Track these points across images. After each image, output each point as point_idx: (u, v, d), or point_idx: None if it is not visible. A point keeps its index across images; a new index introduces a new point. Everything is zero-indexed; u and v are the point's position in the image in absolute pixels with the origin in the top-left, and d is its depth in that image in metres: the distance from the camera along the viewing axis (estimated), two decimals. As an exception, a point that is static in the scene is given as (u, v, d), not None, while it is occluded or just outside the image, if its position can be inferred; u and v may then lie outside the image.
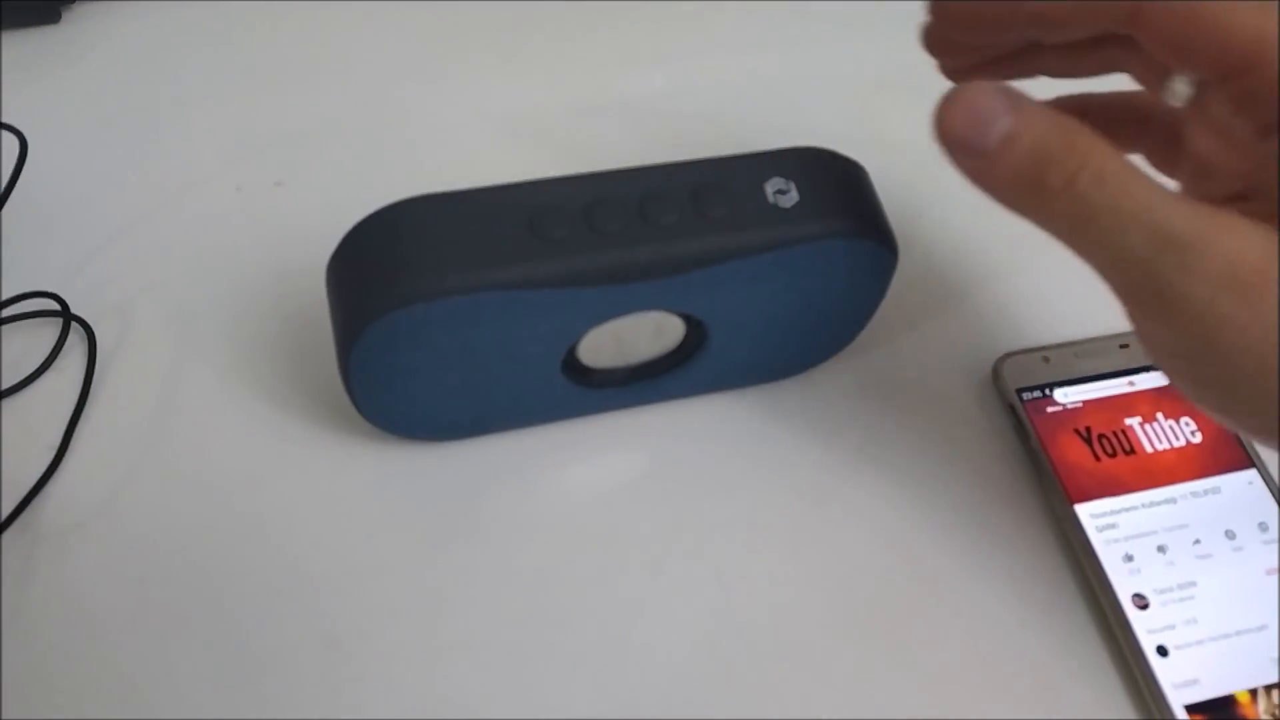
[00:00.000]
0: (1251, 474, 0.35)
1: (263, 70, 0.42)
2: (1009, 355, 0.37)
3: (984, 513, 0.34)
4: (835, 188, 0.29)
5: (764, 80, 0.44)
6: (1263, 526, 0.34)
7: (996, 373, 0.36)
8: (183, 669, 0.29)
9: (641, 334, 0.31)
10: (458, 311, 0.27)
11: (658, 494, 0.33)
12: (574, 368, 0.31)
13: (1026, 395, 0.36)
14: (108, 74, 0.41)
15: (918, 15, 0.29)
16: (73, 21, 0.42)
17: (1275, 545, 0.33)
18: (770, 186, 0.29)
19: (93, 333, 0.33)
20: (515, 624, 0.30)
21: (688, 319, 0.31)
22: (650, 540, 0.32)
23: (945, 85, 0.25)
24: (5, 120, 0.35)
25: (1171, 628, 0.32)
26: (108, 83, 0.41)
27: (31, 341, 0.33)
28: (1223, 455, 0.35)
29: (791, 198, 0.29)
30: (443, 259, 0.26)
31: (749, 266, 0.29)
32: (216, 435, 0.33)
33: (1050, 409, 0.36)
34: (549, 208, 0.27)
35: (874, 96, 0.44)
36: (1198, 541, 0.33)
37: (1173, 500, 0.34)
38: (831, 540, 0.33)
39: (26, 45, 0.41)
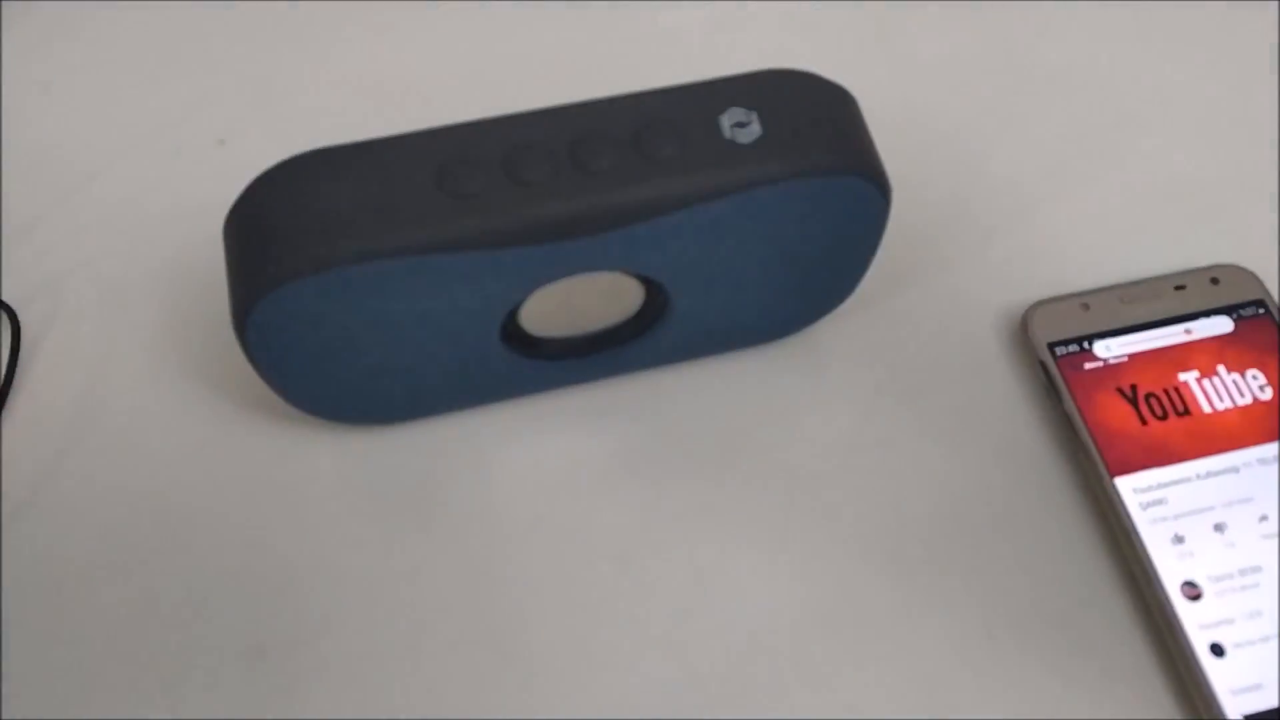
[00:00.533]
0: (1334, 435, 0.30)
1: (202, 25, 0.38)
2: (1041, 303, 0.32)
3: (1009, 491, 0.29)
4: (808, 117, 0.25)
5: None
6: (1346, 498, 0.29)
7: (1025, 324, 0.31)
8: (108, 671, 0.26)
9: (593, 298, 0.27)
10: (355, 282, 0.23)
11: (626, 477, 0.29)
12: (520, 339, 0.28)
13: (1060, 350, 0.31)
14: (56, 41, 0.38)
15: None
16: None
17: (1362, 520, 0.28)
18: (727, 119, 0.24)
19: (16, 319, 0.31)
20: (468, 625, 0.27)
21: (645, 280, 0.27)
22: (618, 531, 0.29)
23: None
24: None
25: (1229, 622, 0.27)
26: (54, 51, 0.38)
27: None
28: (1299, 414, 0.30)
29: (753, 131, 0.24)
30: (335, 223, 0.23)
31: (705, 216, 0.24)
32: (148, 421, 0.30)
33: (1089, 365, 0.31)
34: (462, 157, 0.23)
35: (890, 14, 0.38)
36: (1265, 518, 0.28)
37: (1235, 469, 0.29)
38: (829, 529, 0.29)
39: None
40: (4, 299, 0.31)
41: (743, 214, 0.25)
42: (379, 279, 0.23)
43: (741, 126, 0.24)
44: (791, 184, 0.24)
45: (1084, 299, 0.32)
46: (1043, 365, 0.31)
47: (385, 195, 0.23)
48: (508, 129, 0.24)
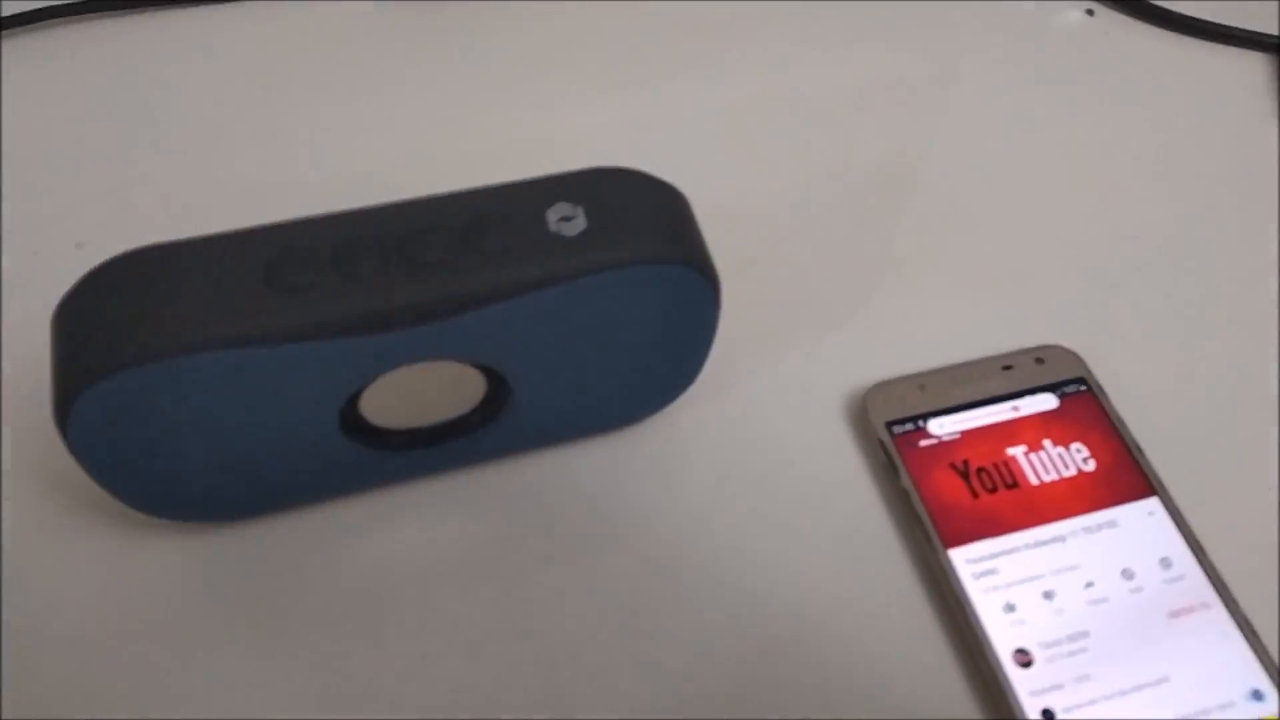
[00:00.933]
0: (1152, 503, 0.31)
1: (63, 132, 0.39)
2: (880, 385, 0.33)
3: (848, 564, 0.30)
4: (633, 212, 0.26)
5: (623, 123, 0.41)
6: (1165, 563, 0.30)
7: (865, 404, 0.33)
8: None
9: (434, 388, 0.28)
10: (182, 375, 0.23)
11: (478, 566, 0.30)
12: (363, 430, 0.28)
13: (898, 428, 0.32)
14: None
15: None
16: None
17: (1180, 583, 0.30)
18: (554, 214, 0.25)
19: None
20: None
21: (485, 369, 0.28)
22: (468, 623, 0.29)
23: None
24: None
25: (1059, 687, 0.28)
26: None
27: None
28: (1120, 483, 0.32)
29: (578, 224, 0.25)
30: (162, 317, 0.23)
31: (534, 305, 0.25)
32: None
33: (923, 442, 0.32)
34: (291, 251, 0.24)
35: (733, 114, 0.41)
36: (1090, 584, 0.30)
37: (1061, 538, 0.30)
38: (678, 610, 0.29)
39: None
40: None
41: (571, 303, 0.26)
42: (206, 371, 0.23)
43: (567, 220, 0.25)
44: (616, 273, 0.26)
45: (920, 380, 0.33)
46: (881, 443, 0.32)
47: (214, 290, 0.23)
48: (339, 225, 0.25)
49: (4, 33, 0.40)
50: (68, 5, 0.41)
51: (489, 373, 0.28)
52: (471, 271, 0.24)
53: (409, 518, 0.30)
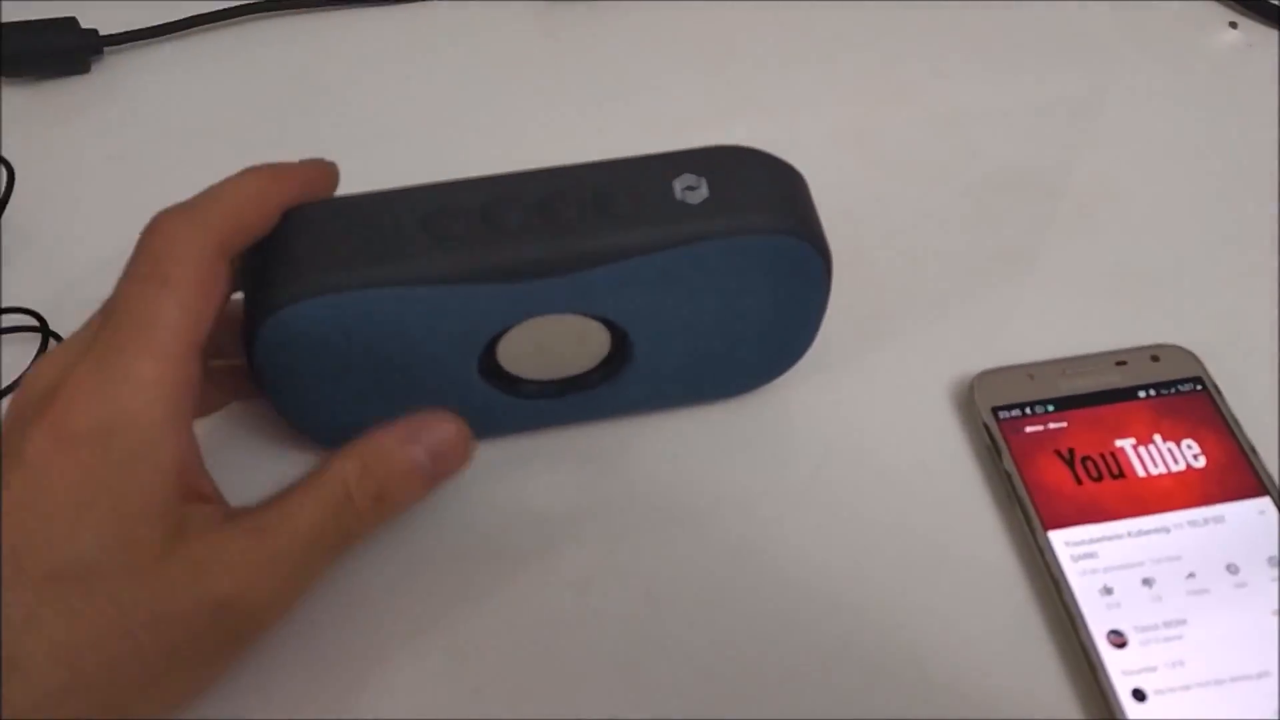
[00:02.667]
0: (1264, 502, 0.31)
1: (271, 107, 0.44)
2: (988, 372, 0.34)
3: (947, 541, 0.31)
4: (754, 186, 0.28)
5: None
6: (1273, 561, 0.30)
7: (973, 389, 0.34)
8: None
9: (563, 341, 0.30)
10: (349, 309, 0.27)
11: (586, 518, 0.32)
12: (498, 376, 0.31)
13: (1004, 414, 0.33)
14: (131, 118, 0.44)
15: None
16: (101, 71, 0.45)
17: (1288, 582, 0.29)
18: (680, 183, 0.28)
19: (66, 348, 0.35)
20: (428, 654, 0.30)
21: (610, 326, 0.30)
22: (579, 563, 0.31)
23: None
24: (32, 159, 0.39)
25: (1152, 670, 0.28)
26: (129, 126, 0.43)
27: (15, 357, 0.35)
28: (1230, 481, 0.32)
29: (701, 194, 0.28)
30: (335, 258, 0.27)
31: (656, 265, 0.28)
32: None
33: (1029, 428, 0.33)
34: (446, 207, 0.27)
35: (858, 111, 0.43)
36: (1192, 575, 0.30)
37: (1165, 529, 0.31)
38: (780, 573, 0.31)
39: (58, 95, 0.44)
40: (57, 332, 0.36)
41: (690, 266, 0.28)
42: (370, 307, 0.27)
43: (691, 190, 0.28)
44: (733, 241, 0.28)
45: (1029, 370, 0.34)
46: (985, 427, 0.33)
47: (379, 237, 0.27)
48: (488, 186, 0.28)
49: (209, 25, 0.46)
50: (266, 2, 0.46)
51: (613, 330, 0.30)
52: (602, 231, 0.27)
53: (534, 465, 0.33)
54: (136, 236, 0.27)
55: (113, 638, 0.23)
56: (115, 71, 0.45)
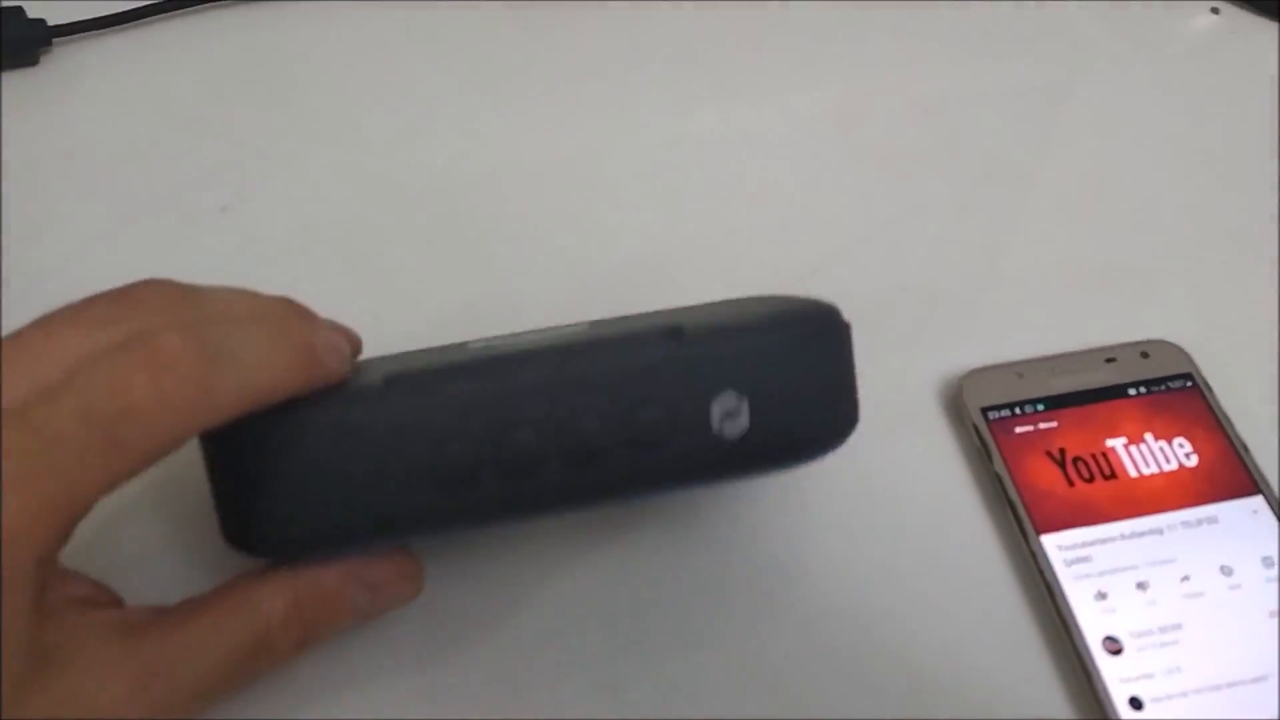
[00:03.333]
0: (1257, 501, 0.31)
1: (221, 98, 0.42)
2: (976, 371, 0.33)
3: (937, 545, 0.31)
4: (801, 391, 0.25)
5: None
6: (1267, 562, 0.30)
7: (961, 389, 0.33)
8: None
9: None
10: (335, 547, 0.25)
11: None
12: None
13: (993, 414, 0.32)
14: (80, 112, 0.42)
15: None
16: (50, 63, 0.43)
17: (1282, 583, 0.29)
18: (719, 407, 0.25)
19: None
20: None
21: None
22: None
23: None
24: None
25: (1149, 677, 0.28)
26: (79, 120, 0.41)
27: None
28: (1223, 480, 0.31)
29: (740, 425, 0.25)
30: (324, 501, 0.24)
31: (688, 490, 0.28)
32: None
33: (1019, 429, 0.32)
34: (449, 438, 0.24)
35: (847, 106, 0.42)
36: (1186, 578, 0.29)
37: (1159, 531, 0.30)
38: (765, 577, 0.30)
39: (5, 87, 0.42)
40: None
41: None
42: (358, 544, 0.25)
43: (731, 418, 0.25)
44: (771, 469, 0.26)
45: (1018, 368, 0.33)
46: (975, 428, 0.32)
47: (380, 485, 0.24)
48: (495, 403, 0.24)
49: (163, 15, 0.44)
50: (220, -9, 0.44)
51: None
52: (635, 474, 0.25)
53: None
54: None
55: None
56: (65, 63, 0.43)
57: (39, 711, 0.20)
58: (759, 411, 0.25)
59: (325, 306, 0.28)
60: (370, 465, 0.24)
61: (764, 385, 0.25)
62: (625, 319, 0.28)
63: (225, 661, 0.23)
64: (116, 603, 0.25)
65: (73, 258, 0.37)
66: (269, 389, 0.23)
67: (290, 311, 0.26)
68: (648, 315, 0.28)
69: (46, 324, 0.23)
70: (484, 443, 0.24)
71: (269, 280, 0.36)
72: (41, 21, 0.42)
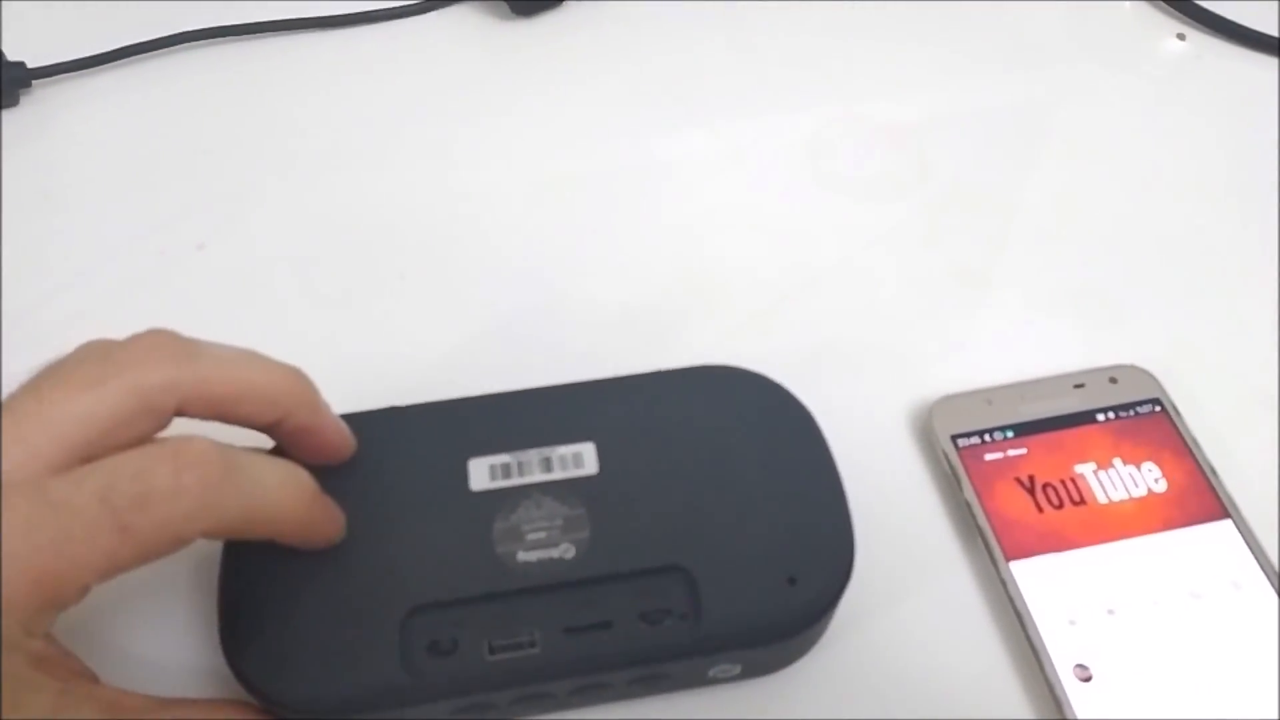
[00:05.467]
0: (1225, 525, 0.31)
1: (198, 140, 0.42)
2: (946, 398, 0.33)
3: (909, 574, 0.31)
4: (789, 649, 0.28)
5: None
6: (1235, 585, 0.30)
7: (931, 416, 0.33)
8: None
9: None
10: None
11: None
12: None
13: (962, 441, 0.32)
14: (59, 151, 0.42)
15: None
16: (30, 104, 0.43)
17: (1251, 608, 0.29)
18: (716, 671, 0.27)
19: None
20: None
21: None
22: None
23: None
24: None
25: (1120, 704, 0.28)
26: (58, 159, 0.42)
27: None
28: (1191, 505, 0.31)
29: (731, 672, 0.28)
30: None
31: None
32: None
33: (989, 456, 0.32)
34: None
35: (812, 139, 0.42)
36: (1156, 604, 0.29)
37: (1128, 556, 0.30)
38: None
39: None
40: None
41: None
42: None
43: (725, 670, 0.27)
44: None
45: (988, 395, 0.34)
46: (945, 455, 0.32)
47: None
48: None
49: (141, 55, 0.44)
50: (199, 31, 0.45)
51: None
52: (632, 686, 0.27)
53: None
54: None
55: None
56: (44, 105, 0.44)
57: None
58: (749, 660, 0.27)
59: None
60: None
61: (757, 640, 0.27)
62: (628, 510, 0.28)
63: None
64: (91, 677, 0.25)
65: (53, 295, 0.37)
66: (270, 519, 0.24)
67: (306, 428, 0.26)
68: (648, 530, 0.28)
69: (37, 390, 0.23)
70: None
71: (247, 318, 0.37)
72: (21, 64, 0.43)
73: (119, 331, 0.34)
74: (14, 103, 0.43)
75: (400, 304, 0.37)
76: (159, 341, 0.24)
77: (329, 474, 0.27)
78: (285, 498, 0.24)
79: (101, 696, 0.24)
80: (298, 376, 0.26)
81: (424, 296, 0.37)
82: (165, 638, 0.29)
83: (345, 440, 0.28)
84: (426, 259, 0.38)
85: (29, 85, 0.43)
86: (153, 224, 0.40)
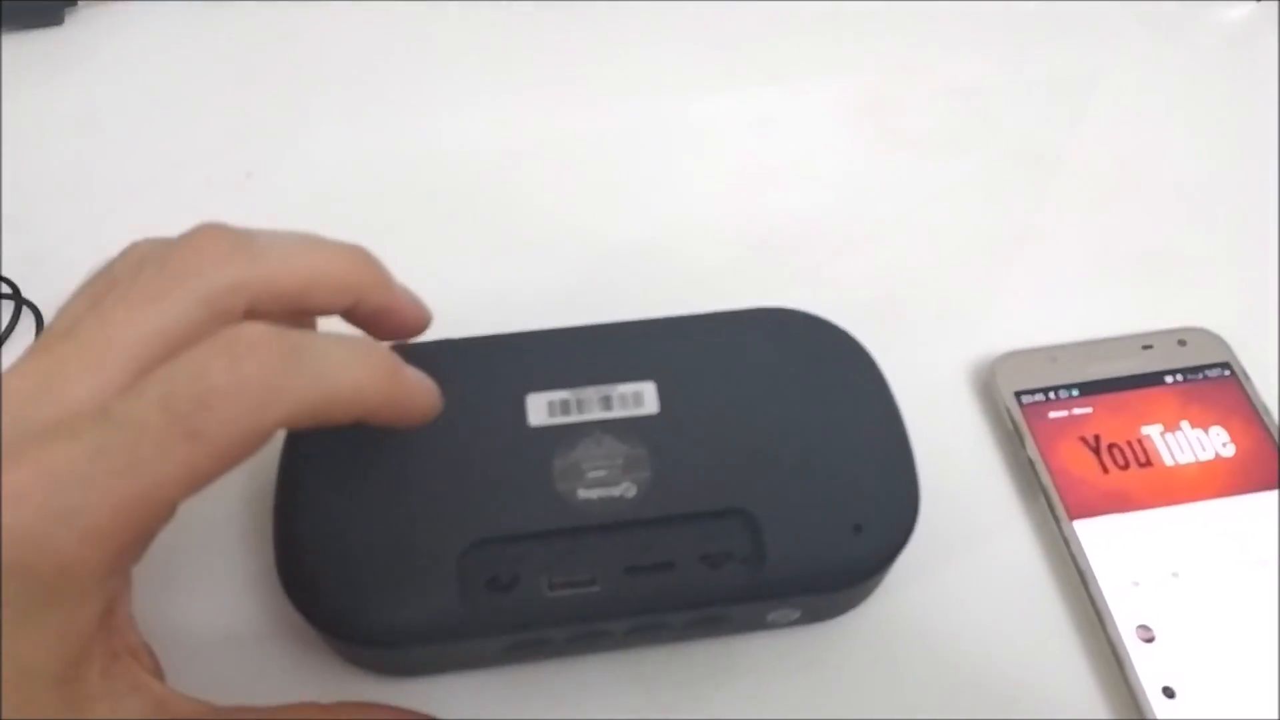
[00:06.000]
0: (1294, 493, 0.30)
1: (247, 68, 0.41)
2: (1010, 354, 0.33)
3: (968, 531, 0.30)
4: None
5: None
6: (1304, 554, 0.29)
7: (994, 372, 0.32)
8: None
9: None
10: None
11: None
12: None
13: (1026, 398, 0.32)
14: (104, 74, 0.41)
15: None
16: (75, 24, 0.42)
17: (1319, 576, 0.29)
18: (775, 615, 0.27)
19: (41, 317, 0.33)
20: None
21: None
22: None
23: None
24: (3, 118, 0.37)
25: (1182, 666, 0.27)
26: (103, 83, 0.41)
27: (-15, 326, 0.33)
28: (1259, 471, 0.31)
29: (790, 617, 0.27)
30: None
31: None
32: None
33: (1053, 414, 0.31)
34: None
35: (870, 80, 0.41)
36: (1222, 569, 0.29)
37: (1194, 520, 0.30)
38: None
39: (30, 47, 0.42)
40: (34, 303, 0.34)
41: None
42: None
43: (783, 616, 0.27)
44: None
45: (1052, 353, 0.33)
46: (1007, 411, 0.32)
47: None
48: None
49: (190, -21, 0.43)
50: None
51: None
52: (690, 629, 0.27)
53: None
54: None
55: None
56: (89, 25, 0.43)
57: None
58: (810, 611, 0.27)
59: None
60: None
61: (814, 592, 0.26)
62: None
63: None
64: (157, 671, 0.24)
65: (95, 221, 0.37)
66: (350, 396, 0.22)
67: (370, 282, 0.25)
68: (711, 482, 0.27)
69: (98, 310, 0.22)
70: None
71: None
72: (68, -20, 0.42)
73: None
74: (58, 22, 0.42)
75: (452, 240, 0.36)
76: (216, 239, 0.23)
77: None
78: (361, 374, 0.22)
79: (175, 707, 0.23)
80: (364, 256, 0.25)
81: (478, 234, 0.37)
82: (217, 570, 0.29)
83: (422, 314, 0.27)
84: (483, 198, 0.38)
85: (74, 3, 0.42)
86: (200, 152, 0.39)
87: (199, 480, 0.20)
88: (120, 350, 0.21)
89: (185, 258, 0.22)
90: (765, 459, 0.27)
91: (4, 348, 0.33)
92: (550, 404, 0.27)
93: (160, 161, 0.38)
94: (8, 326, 0.33)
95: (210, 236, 0.23)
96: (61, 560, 0.19)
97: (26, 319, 0.34)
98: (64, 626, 0.19)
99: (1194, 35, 0.44)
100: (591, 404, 0.27)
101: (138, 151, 0.39)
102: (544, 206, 0.37)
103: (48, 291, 0.34)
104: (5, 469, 0.19)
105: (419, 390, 0.24)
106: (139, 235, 0.36)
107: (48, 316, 0.33)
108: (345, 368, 0.22)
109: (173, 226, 0.36)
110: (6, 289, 0.34)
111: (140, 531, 0.20)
